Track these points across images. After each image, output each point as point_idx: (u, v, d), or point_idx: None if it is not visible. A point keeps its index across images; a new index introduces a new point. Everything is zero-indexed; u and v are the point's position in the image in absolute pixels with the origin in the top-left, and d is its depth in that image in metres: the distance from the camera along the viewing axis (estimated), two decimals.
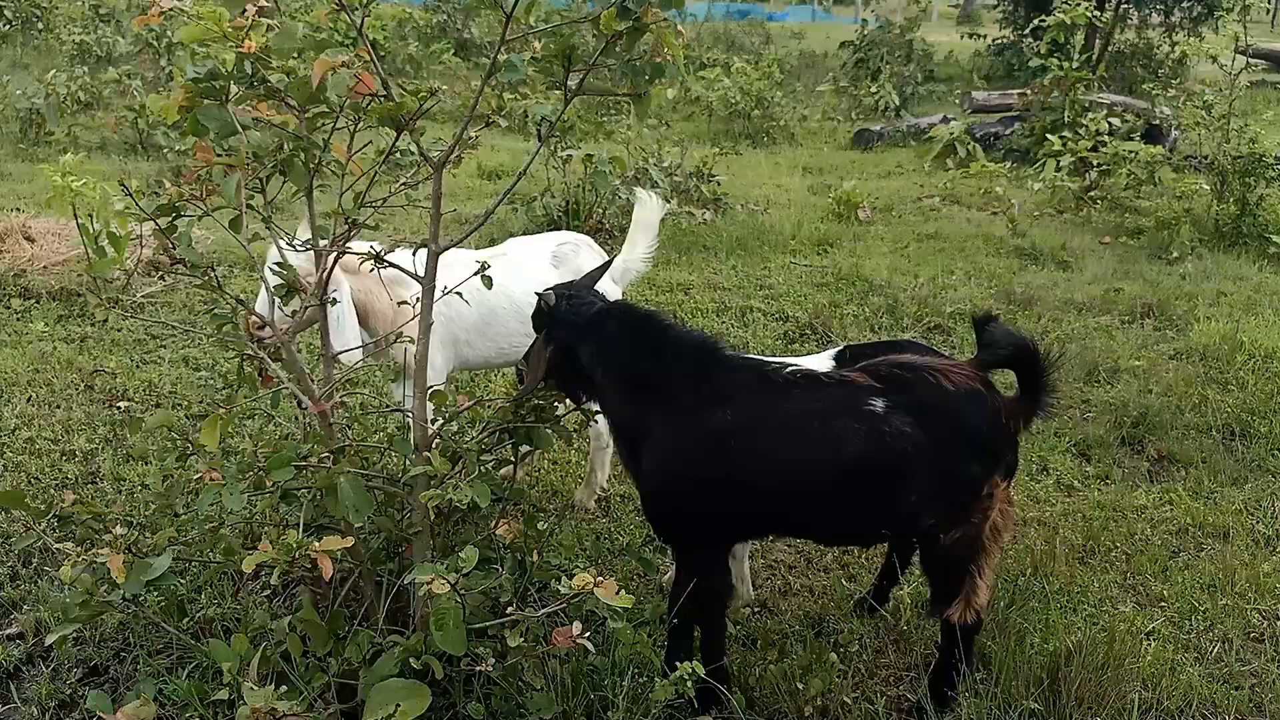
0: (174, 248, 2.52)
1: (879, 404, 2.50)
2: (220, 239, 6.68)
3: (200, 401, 4.67)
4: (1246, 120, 8.22)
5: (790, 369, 2.62)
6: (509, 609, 2.32)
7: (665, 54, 2.32)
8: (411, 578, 2.26)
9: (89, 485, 3.94)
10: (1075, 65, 10.74)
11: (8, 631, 3.12)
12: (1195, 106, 8.97)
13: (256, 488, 2.38)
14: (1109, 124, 9.86)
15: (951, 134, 11.24)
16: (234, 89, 2.65)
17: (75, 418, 4.44)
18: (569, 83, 2.43)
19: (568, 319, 2.72)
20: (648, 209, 4.15)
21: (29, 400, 4.58)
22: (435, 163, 2.52)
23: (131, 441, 4.20)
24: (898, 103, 14.72)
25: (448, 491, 2.41)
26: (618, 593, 2.06)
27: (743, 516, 2.64)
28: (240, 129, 2.66)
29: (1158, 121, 11.53)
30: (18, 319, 5.56)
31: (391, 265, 2.66)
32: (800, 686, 2.68)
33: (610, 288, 3.98)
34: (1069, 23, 11.25)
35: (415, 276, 2.63)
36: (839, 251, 7.64)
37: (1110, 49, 17.46)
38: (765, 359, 2.78)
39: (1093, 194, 9.12)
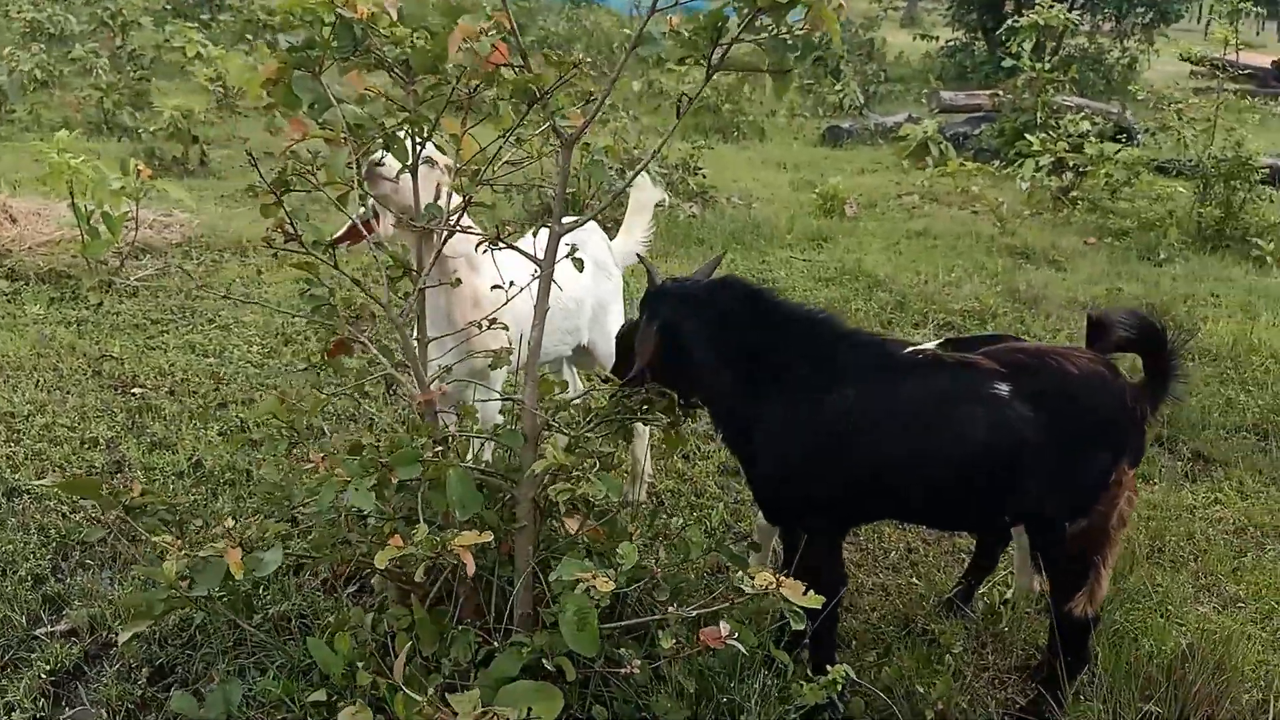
0: (291, 224, 2.35)
1: (1004, 388, 2.45)
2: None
3: (216, 389, 4.47)
4: (1234, 124, 8.37)
5: (912, 348, 2.57)
6: (669, 608, 2.21)
7: (822, 27, 2.23)
8: (558, 575, 2.14)
9: (115, 474, 3.73)
10: (1048, 67, 10.87)
11: (59, 628, 2.92)
12: (1172, 110, 9.18)
13: (382, 484, 2.24)
14: (1088, 125, 10.02)
15: (925, 133, 11.31)
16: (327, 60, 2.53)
17: (89, 404, 4.21)
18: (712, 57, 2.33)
19: (677, 294, 2.61)
20: (645, 192, 4.14)
21: (37, 385, 4.34)
22: (567, 138, 2.41)
23: (154, 430, 4.01)
24: (862, 101, 14.81)
25: (579, 485, 2.29)
26: (806, 593, 1.98)
27: (863, 500, 2.59)
28: (334, 102, 2.52)
29: (1126, 125, 11.79)
30: (8, 301, 5.28)
31: (510, 247, 2.53)
32: (921, 690, 2.62)
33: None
34: (1042, 24, 11.41)
35: (533, 259, 2.51)
36: (836, 247, 7.63)
37: (1060, 53, 17.86)
38: (885, 336, 2.72)
39: (1073, 195, 9.24)
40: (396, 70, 2.56)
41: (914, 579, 3.42)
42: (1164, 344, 2.53)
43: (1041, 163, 9.60)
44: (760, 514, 3.14)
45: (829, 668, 2.25)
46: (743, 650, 2.18)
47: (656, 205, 4.40)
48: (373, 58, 2.53)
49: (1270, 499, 4.02)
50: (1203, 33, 26.06)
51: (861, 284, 6.65)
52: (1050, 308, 6.39)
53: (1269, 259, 7.87)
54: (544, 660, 2.27)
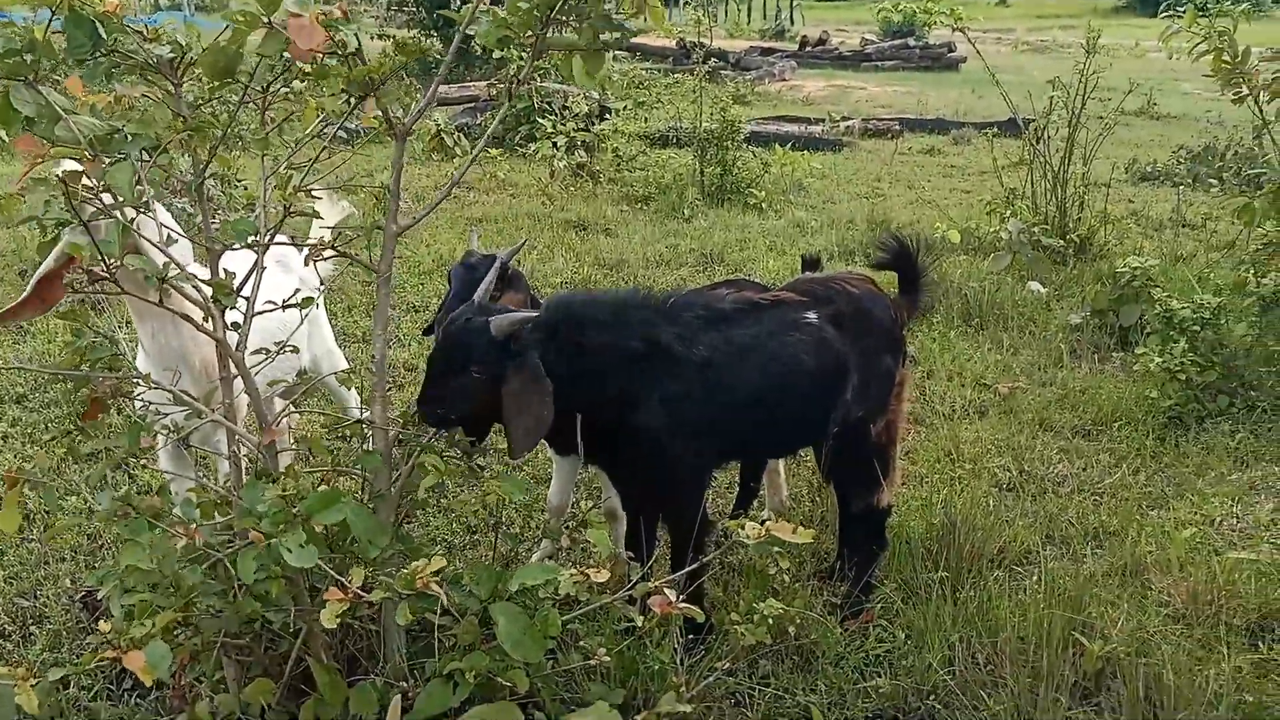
0: (106, 259, 1.92)
1: (813, 316, 2.76)
2: None
3: None
4: (718, 96, 9.58)
5: (729, 297, 2.78)
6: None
7: (647, 8, 2.33)
8: (519, 583, 2.03)
9: None
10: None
11: None
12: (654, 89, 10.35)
13: (310, 538, 1.93)
14: (586, 106, 10.85)
15: (439, 125, 11.46)
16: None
17: None
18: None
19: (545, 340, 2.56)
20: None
21: None
22: (399, 130, 2.25)
23: None
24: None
25: (514, 490, 2.17)
26: (794, 530, 2.08)
27: (736, 436, 2.77)
28: (63, 113, 2.11)
29: (606, 104, 12.95)
30: None
31: (345, 255, 2.30)
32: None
33: None
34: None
35: (369, 266, 2.31)
36: (414, 241, 7.57)
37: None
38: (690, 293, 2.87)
39: (593, 170, 10.00)
40: (161, 73, 2.19)
41: None
42: (915, 262, 2.97)
43: (559, 143, 10.29)
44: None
45: (759, 605, 2.38)
46: (698, 616, 2.22)
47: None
48: (128, 60, 2.16)
49: None
50: None
51: None
52: (635, 269, 6.94)
53: (763, 205, 9.21)
54: (496, 678, 2.14)
